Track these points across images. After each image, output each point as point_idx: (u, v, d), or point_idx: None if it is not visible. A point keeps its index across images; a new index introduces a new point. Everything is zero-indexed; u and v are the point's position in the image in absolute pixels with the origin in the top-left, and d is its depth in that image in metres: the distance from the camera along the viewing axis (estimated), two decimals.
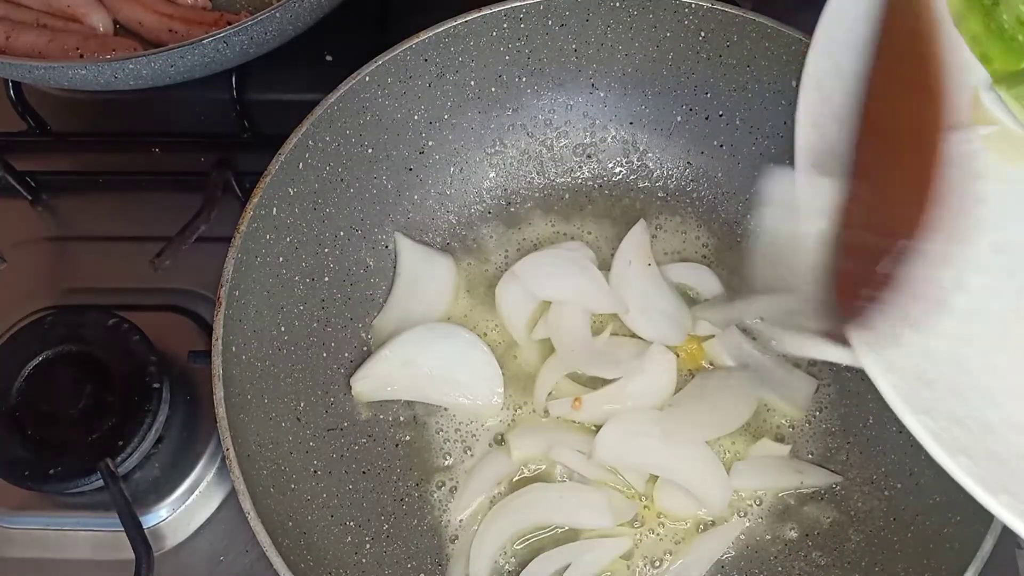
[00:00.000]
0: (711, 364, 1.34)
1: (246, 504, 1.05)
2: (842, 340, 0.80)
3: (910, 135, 0.85)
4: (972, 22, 0.90)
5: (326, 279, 1.31)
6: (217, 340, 1.11)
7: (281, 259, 1.23)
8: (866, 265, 0.81)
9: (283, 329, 1.24)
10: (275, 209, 1.21)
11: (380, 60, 1.26)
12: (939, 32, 0.87)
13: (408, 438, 1.31)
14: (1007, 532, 1.22)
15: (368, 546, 1.22)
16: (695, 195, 1.43)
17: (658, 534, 1.25)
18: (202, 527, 1.32)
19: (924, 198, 0.82)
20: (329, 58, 1.62)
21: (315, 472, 1.22)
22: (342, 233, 1.32)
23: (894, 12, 0.87)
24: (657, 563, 1.23)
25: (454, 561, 1.24)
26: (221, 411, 1.08)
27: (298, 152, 1.22)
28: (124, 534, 1.21)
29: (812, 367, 1.32)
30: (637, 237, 1.38)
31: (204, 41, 1.26)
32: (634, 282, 1.35)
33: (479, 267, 1.41)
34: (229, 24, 1.35)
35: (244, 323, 1.17)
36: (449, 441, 1.31)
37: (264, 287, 1.21)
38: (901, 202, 0.83)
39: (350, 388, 1.31)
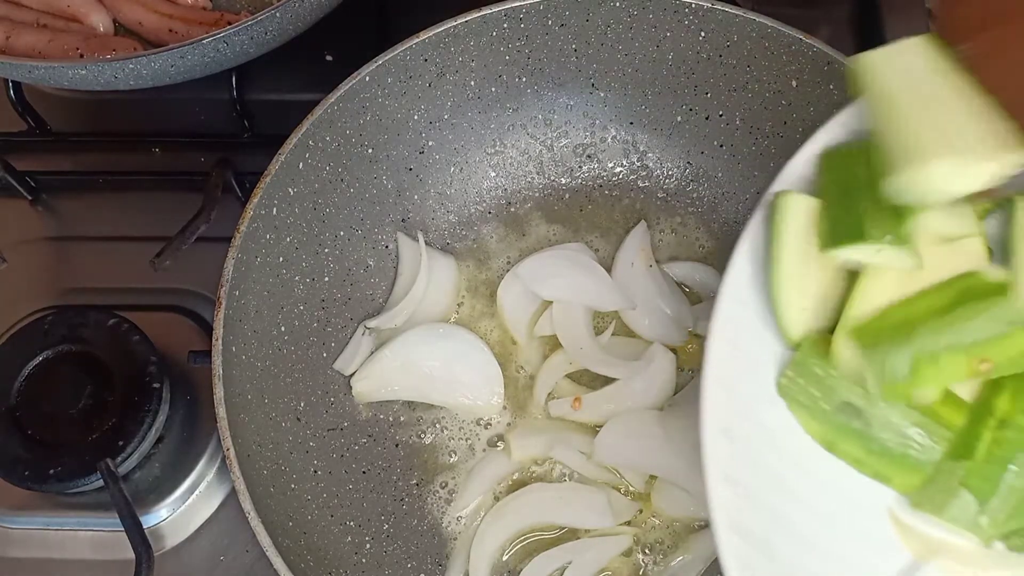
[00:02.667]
0: None
1: (246, 504, 1.05)
2: None
3: None
4: (849, 446, 0.89)
5: (326, 279, 1.31)
6: (217, 340, 1.11)
7: (281, 259, 1.24)
8: None
9: (283, 329, 1.25)
10: (275, 209, 1.21)
11: (380, 60, 1.26)
12: None
13: (408, 438, 1.31)
14: None
15: (368, 546, 1.23)
16: (695, 195, 1.43)
17: (658, 533, 1.25)
18: (202, 527, 1.32)
19: None
20: (329, 58, 1.62)
21: (315, 472, 1.23)
22: (342, 233, 1.32)
23: None
24: (657, 561, 1.24)
25: (454, 560, 1.25)
26: (221, 411, 1.09)
27: (298, 152, 1.22)
28: (124, 534, 1.21)
29: None
30: (638, 238, 1.39)
31: (204, 41, 1.26)
32: (636, 283, 1.36)
33: (479, 267, 1.41)
34: (229, 24, 1.34)
35: (244, 323, 1.17)
36: (449, 441, 1.31)
37: (264, 287, 1.21)
38: None
39: (350, 388, 1.31)
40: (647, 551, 1.24)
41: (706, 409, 0.87)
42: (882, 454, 0.88)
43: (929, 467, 0.88)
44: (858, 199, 0.84)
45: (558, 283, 1.36)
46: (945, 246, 0.86)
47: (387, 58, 1.26)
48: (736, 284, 0.89)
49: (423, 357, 1.32)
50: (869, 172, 0.84)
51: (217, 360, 1.10)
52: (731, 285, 0.89)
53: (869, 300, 0.85)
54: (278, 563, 1.03)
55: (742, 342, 0.90)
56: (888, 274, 0.85)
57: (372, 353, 1.33)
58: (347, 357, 1.32)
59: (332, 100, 1.24)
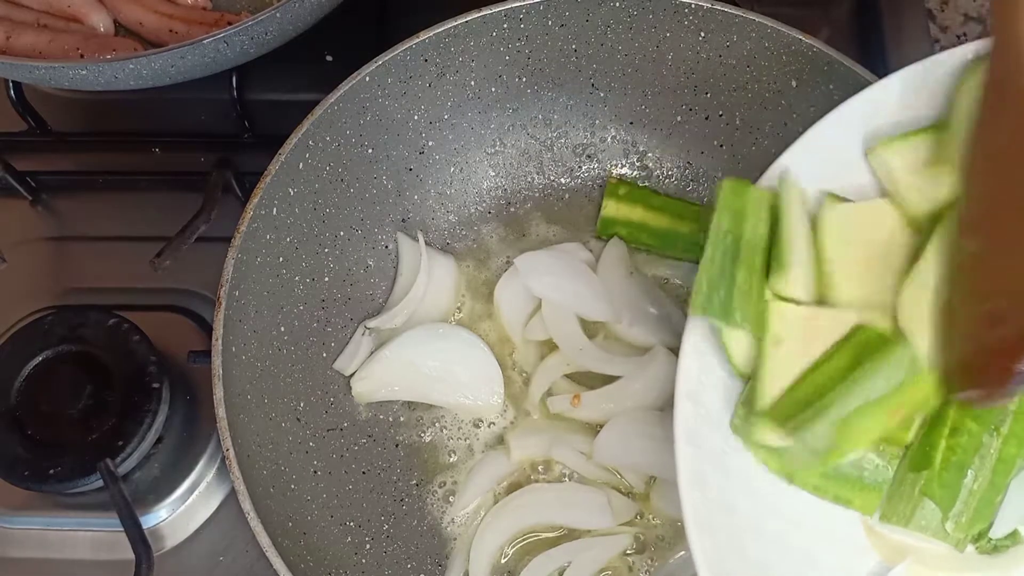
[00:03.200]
0: None
1: (246, 505, 1.05)
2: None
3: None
4: (806, 475, 0.90)
5: (326, 279, 1.31)
6: (217, 340, 1.11)
7: (281, 259, 1.24)
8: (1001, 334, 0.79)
9: (283, 329, 1.25)
10: (275, 209, 1.21)
11: (380, 60, 1.26)
12: None
13: (408, 438, 1.32)
14: None
15: (368, 546, 1.23)
16: (695, 195, 1.43)
17: (658, 530, 1.25)
18: (202, 527, 1.32)
19: None
20: (329, 58, 1.62)
21: (315, 472, 1.23)
22: (342, 233, 1.33)
23: (998, 78, 0.83)
24: (657, 559, 1.24)
25: (453, 560, 1.25)
26: (221, 411, 1.08)
27: (298, 152, 1.22)
28: (124, 534, 1.21)
29: None
30: (614, 252, 1.40)
31: (204, 41, 1.26)
32: (620, 295, 1.36)
33: (480, 267, 1.41)
34: (229, 24, 1.34)
35: (244, 323, 1.17)
36: (449, 441, 1.31)
37: (264, 287, 1.21)
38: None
39: (350, 388, 1.31)
40: (647, 549, 1.24)
41: (677, 418, 0.88)
42: (838, 479, 0.90)
43: (884, 486, 0.90)
44: (737, 263, 0.89)
45: (548, 281, 1.35)
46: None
47: (387, 58, 1.26)
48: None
49: (423, 357, 1.32)
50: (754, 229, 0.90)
51: (217, 360, 1.10)
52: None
53: (777, 378, 0.88)
54: (278, 564, 1.03)
55: (707, 361, 0.92)
56: (789, 347, 0.88)
57: (372, 353, 1.33)
58: (347, 357, 1.32)
59: (332, 100, 1.24)
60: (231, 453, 1.07)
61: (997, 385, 0.77)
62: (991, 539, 0.92)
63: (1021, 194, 0.78)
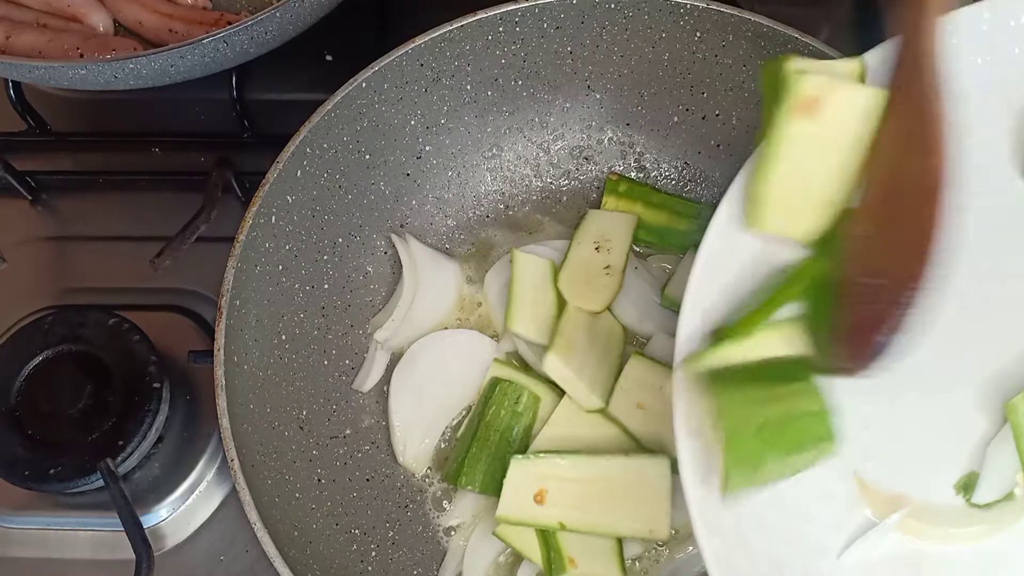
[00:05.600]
0: None
1: (252, 515, 1.05)
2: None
3: (913, 190, 0.86)
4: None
5: (326, 286, 1.32)
6: (219, 351, 1.11)
7: (281, 267, 1.24)
8: (875, 309, 0.86)
9: (284, 337, 1.25)
10: (274, 217, 1.22)
11: (376, 66, 1.26)
12: (941, 97, 0.86)
13: None
14: None
15: (374, 554, 1.23)
16: (692, 196, 1.44)
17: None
18: (202, 527, 1.33)
19: (925, 247, 0.85)
20: (329, 58, 1.61)
21: (319, 480, 1.23)
22: (341, 240, 1.33)
23: (901, 79, 0.88)
24: (665, 552, 1.25)
25: (448, 561, 1.26)
26: (225, 422, 1.09)
27: (296, 160, 1.22)
28: (124, 534, 1.22)
29: None
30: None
31: (204, 41, 1.26)
32: (628, 287, 1.37)
33: (480, 270, 1.42)
34: (229, 24, 1.34)
35: (245, 332, 1.17)
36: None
37: (264, 296, 1.22)
38: (905, 249, 0.86)
39: (352, 395, 1.32)
40: (652, 545, 1.26)
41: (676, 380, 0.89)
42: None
43: None
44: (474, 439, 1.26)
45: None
46: None
47: (383, 64, 1.26)
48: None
49: (446, 364, 1.34)
50: None
51: (219, 371, 1.10)
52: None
53: None
54: (285, 574, 1.04)
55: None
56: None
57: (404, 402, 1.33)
58: (363, 375, 1.34)
59: (329, 107, 1.24)
60: (236, 464, 1.07)
61: (861, 357, 0.85)
62: (977, 504, 0.94)
63: (907, 181, 0.85)
